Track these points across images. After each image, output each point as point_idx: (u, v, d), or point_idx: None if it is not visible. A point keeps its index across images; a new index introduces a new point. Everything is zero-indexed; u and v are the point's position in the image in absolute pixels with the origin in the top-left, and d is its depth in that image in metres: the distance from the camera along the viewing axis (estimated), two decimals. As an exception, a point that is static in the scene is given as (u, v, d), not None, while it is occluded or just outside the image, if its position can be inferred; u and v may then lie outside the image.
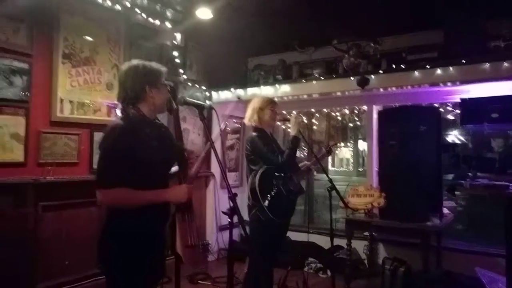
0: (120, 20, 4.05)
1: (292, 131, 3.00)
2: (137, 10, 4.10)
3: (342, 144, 6.10)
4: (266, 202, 2.80)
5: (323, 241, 4.49)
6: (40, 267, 3.24)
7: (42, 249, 3.25)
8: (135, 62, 1.92)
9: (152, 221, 1.84)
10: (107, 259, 1.81)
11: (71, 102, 3.61)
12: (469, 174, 3.98)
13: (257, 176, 2.85)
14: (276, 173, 2.93)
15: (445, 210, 3.77)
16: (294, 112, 5.35)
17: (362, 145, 5.73)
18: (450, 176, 4.10)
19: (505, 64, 3.45)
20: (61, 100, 3.53)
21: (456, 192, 3.60)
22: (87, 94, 3.74)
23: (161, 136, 1.94)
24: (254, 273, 2.93)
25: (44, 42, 3.43)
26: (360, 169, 5.98)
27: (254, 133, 3.01)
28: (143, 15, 4.18)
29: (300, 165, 3.24)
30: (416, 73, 3.86)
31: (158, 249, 1.92)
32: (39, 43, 3.38)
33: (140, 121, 1.84)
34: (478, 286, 3.32)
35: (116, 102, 1.94)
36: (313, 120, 5.59)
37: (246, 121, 3.13)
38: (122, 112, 1.88)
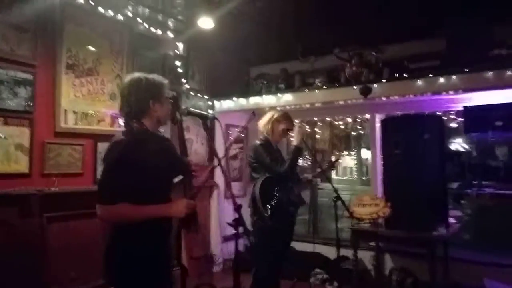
0: (123, 30, 4.07)
1: (295, 140, 3.00)
2: (139, 20, 4.13)
3: (345, 152, 6.07)
4: (267, 211, 2.77)
5: (329, 251, 4.44)
6: (46, 278, 3.21)
7: (47, 260, 3.22)
8: (137, 75, 1.92)
9: (157, 233, 1.84)
10: (114, 273, 1.80)
11: (75, 112, 3.61)
12: (474, 182, 3.95)
13: (258, 185, 2.84)
14: (277, 183, 2.91)
15: (452, 220, 3.74)
16: (297, 121, 5.35)
17: (365, 153, 5.70)
18: (455, 185, 4.07)
19: (508, 72, 3.45)
20: (65, 111, 3.53)
21: (462, 201, 3.57)
22: (91, 105, 3.74)
23: (165, 150, 1.95)
24: (259, 282, 2.90)
25: (47, 52, 3.43)
26: (363, 178, 5.94)
27: (258, 142, 3.01)
28: (145, 25, 4.21)
29: (302, 177, 3.23)
30: (419, 81, 3.86)
31: (164, 261, 1.91)
32: (42, 54, 3.38)
33: (144, 135, 1.85)
34: (487, 297, 3.28)
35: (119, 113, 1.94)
36: (316, 129, 5.58)
37: (260, 126, 3.14)
38: (125, 126, 1.88)
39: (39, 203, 3.18)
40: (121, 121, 1.96)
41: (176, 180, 2.05)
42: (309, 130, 5.41)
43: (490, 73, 3.52)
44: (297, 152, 2.95)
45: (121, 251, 1.79)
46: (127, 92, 1.88)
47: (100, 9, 3.76)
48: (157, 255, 1.84)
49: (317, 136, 5.70)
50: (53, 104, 3.45)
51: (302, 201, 3.14)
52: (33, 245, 3.15)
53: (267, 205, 2.81)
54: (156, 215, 1.79)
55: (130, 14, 4.00)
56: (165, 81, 1.97)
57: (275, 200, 2.86)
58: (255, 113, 3.15)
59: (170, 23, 4.48)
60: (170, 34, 4.50)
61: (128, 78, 1.94)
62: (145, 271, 1.78)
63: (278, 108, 3.25)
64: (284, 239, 3.07)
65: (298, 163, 3.04)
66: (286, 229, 3.02)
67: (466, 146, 4.73)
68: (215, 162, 3.07)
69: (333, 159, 3.36)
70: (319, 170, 3.28)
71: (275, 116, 3.09)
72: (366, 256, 4.39)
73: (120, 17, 3.91)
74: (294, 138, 3.03)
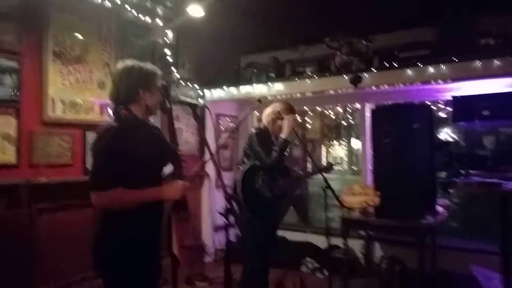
0: (111, 17, 3.99)
1: (283, 133, 2.93)
2: (127, 7, 4.05)
3: (336, 142, 6.11)
4: (247, 201, 2.77)
5: (319, 241, 4.48)
6: (36, 269, 3.20)
7: (37, 251, 3.21)
8: (130, 62, 1.90)
9: (147, 221, 1.83)
10: (103, 262, 1.79)
11: (62, 101, 3.55)
12: (462, 171, 4.01)
13: (241, 174, 2.84)
14: (262, 173, 2.90)
15: (439, 208, 3.80)
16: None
17: (356, 143, 5.73)
18: (443, 174, 4.13)
19: (496, 62, 3.49)
20: (53, 100, 3.47)
21: (450, 190, 3.62)
22: (79, 93, 3.68)
23: (154, 137, 1.94)
24: (248, 272, 2.92)
25: (33, 40, 3.36)
26: (354, 168, 5.99)
27: (253, 130, 3.00)
28: (134, 12, 4.14)
29: (294, 172, 3.22)
30: (408, 71, 3.88)
31: (154, 248, 1.91)
32: (28, 41, 3.32)
33: (133, 122, 1.84)
34: (474, 284, 3.34)
35: (108, 101, 1.92)
36: (307, 119, 5.59)
37: (263, 116, 3.13)
38: (113, 113, 1.87)
39: (28, 194, 3.16)
40: (109, 110, 1.93)
41: (167, 171, 2.04)
42: (300, 119, 5.42)
43: (479, 63, 3.55)
44: (284, 144, 2.91)
45: (110, 238, 1.77)
46: (118, 78, 1.87)
47: (88, -4, 3.68)
48: (147, 242, 1.84)
49: (308, 125, 5.71)
50: (40, 93, 3.40)
51: (286, 194, 3.10)
52: (22, 236, 3.13)
53: (248, 194, 2.80)
54: (150, 198, 1.79)
55: (118, 1, 3.91)
56: (158, 71, 1.96)
57: (255, 190, 2.85)
58: (261, 101, 3.10)
59: (159, 10, 4.40)
60: (159, 22, 4.43)
61: (121, 64, 1.92)
62: (134, 258, 1.77)
63: (280, 98, 3.20)
64: (271, 230, 3.06)
65: (285, 156, 3.01)
66: (268, 219, 2.99)
67: (455, 136, 4.78)
68: (206, 156, 3.05)
69: (331, 162, 3.33)
70: (313, 169, 3.27)
71: (277, 110, 3.06)
72: (356, 245, 4.45)
73: (107, 3, 3.83)
74: (283, 130, 2.95)
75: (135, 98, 1.86)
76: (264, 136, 2.98)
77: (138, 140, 1.81)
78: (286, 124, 2.95)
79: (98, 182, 1.72)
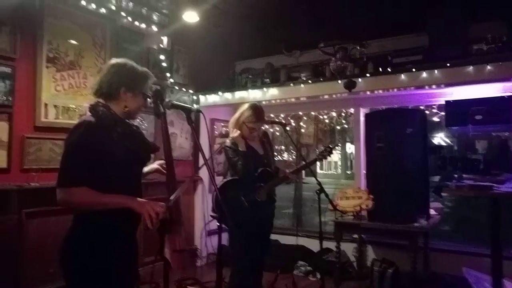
0: (106, 23, 4.01)
1: (240, 146, 2.92)
2: (122, 13, 4.07)
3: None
4: (226, 211, 2.74)
5: (312, 244, 4.48)
6: (24, 275, 3.17)
7: (26, 257, 3.18)
8: (123, 60, 1.87)
9: (122, 225, 1.75)
10: (70, 267, 1.70)
11: (56, 106, 3.55)
12: (455, 175, 4.03)
13: (218, 187, 2.80)
14: (241, 184, 2.90)
15: (432, 211, 3.82)
16: (282, 115, 5.37)
17: (350, 148, 5.76)
18: (436, 178, 4.16)
19: (488, 67, 3.52)
20: (46, 105, 3.47)
21: (442, 194, 3.64)
22: (72, 99, 3.68)
23: (133, 135, 1.86)
24: (237, 276, 2.92)
25: (27, 45, 3.37)
26: (348, 172, 6.01)
27: (227, 145, 2.98)
28: (129, 18, 4.16)
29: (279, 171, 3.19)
30: (402, 76, 3.91)
31: (128, 255, 1.83)
32: (22, 47, 3.32)
33: (110, 118, 1.76)
34: (465, 286, 3.36)
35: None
36: (301, 123, 5.61)
37: (229, 124, 3.09)
38: (90, 109, 1.79)
39: (18, 199, 3.13)
40: (85, 104, 1.88)
41: (145, 169, 2.01)
42: (294, 124, 5.44)
43: (471, 68, 3.59)
44: (244, 157, 2.90)
45: (80, 243, 1.69)
46: (105, 72, 1.84)
47: (83, 2, 3.70)
48: (121, 248, 1.75)
49: (302, 130, 5.73)
50: (33, 98, 3.40)
51: (271, 200, 3.05)
52: (10, 241, 3.10)
53: (227, 203, 2.76)
54: (117, 204, 1.68)
55: (113, 8, 3.93)
56: (150, 76, 1.91)
57: (234, 200, 2.84)
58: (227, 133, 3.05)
59: (155, 17, 4.43)
60: (154, 28, 4.46)
61: (114, 60, 1.88)
62: (106, 264, 1.69)
63: (254, 102, 3.13)
64: (257, 234, 2.98)
65: (250, 167, 2.93)
66: (253, 227, 2.91)
67: (448, 140, 4.82)
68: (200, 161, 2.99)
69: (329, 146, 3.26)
70: (301, 164, 3.23)
71: (240, 118, 2.99)
72: (349, 248, 4.46)
73: (102, 10, 3.85)
74: (238, 144, 2.92)
75: (115, 96, 1.80)
76: (235, 148, 2.95)
77: (112, 137, 1.72)
78: (236, 136, 2.92)
79: (64, 178, 1.64)
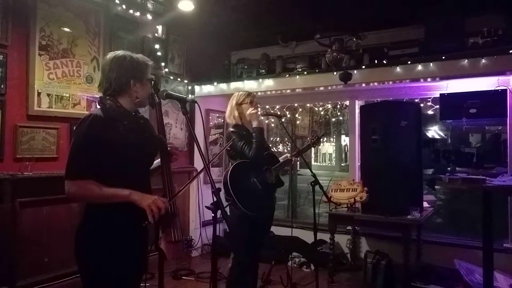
0: (100, 11, 3.95)
1: (254, 122, 2.93)
2: (117, 1, 4.01)
3: (325, 138, 6.15)
4: (239, 196, 2.75)
5: (307, 236, 4.52)
6: (19, 264, 3.15)
7: (20, 247, 3.16)
8: (121, 52, 1.85)
9: (132, 215, 1.73)
10: (84, 255, 1.74)
11: (49, 95, 3.50)
12: (448, 168, 4.07)
13: (229, 170, 2.83)
14: (250, 167, 2.90)
15: (425, 204, 3.85)
16: (277, 106, 5.36)
17: (345, 140, 5.78)
18: (430, 171, 4.19)
19: (483, 61, 3.53)
20: (39, 93, 3.42)
21: (436, 186, 3.68)
22: (66, 87, 3.63)
23: (140, 128, 1.87)
24: (238, 268, 2.92)
25: (20, 33, 3.31)
26: (342, 164, 6.04)
27: (231, 129, 2.98)
28: (123, 6, 4.10)
29: (281, 157, 3.21)
30: (398, 68, 3.91)
31: (138, 244, 1.84)
32: (14, 34, 3.26)
33: (118, 112, 1.78)
34: (457, 277, 3.41)
35: (96, 95, 1.88)
36: (296, 115, 5.60)
37: (226, 118, 3.10)
38: (99, 103, 1.81)
39: (12, 188, 3.10)
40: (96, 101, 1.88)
41: (155, 164, 2.01)
42: (289, 115, 5.43)
43: (466, 61, 3.59)
44: (259, 132, 2.92)
45: (92, 232, 1.73)
46: (108, 68, 1.81)
47: (75, -11, 3.64)
48: (131, 237, 1.78)
49: (297, 122, 5.73)
50: (25, 86, 3.35)
51: (280, 183, 3.10)
52: (5, 230, 3.08)
53: (239, 189, 2.78)
54: (121, 198, 1.69)
55: (107, -5, 3.87)
56: (150, 62, 1.92)
57: (248, 184, 2.85)
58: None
59: (149, 5, 4.37)
60: (149, 16, 4.40)
61: (111, 54, 1.86)
62: (117, 253, 1.72)
63: (247, 92, 3.16)
64: (262, 225, 3.05)
65: (264, 144, 2.99)
66: (263, 214, 2.96)
67: (442, 133, 4.85)
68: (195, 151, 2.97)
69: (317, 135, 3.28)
70: (301, 148, 3.23)
71: (233, 102, 3.04)
72: (343, 240, 4.49)
73: (96, -3, 3.79)
74: (252, 119, 2.94)
75: (126, 89, 1.81)
76: (240, 131, 2.96)
77: (121, 129, 1.75)
78: (250, 113, 2.95)
79: (72, 170, 1.66)
